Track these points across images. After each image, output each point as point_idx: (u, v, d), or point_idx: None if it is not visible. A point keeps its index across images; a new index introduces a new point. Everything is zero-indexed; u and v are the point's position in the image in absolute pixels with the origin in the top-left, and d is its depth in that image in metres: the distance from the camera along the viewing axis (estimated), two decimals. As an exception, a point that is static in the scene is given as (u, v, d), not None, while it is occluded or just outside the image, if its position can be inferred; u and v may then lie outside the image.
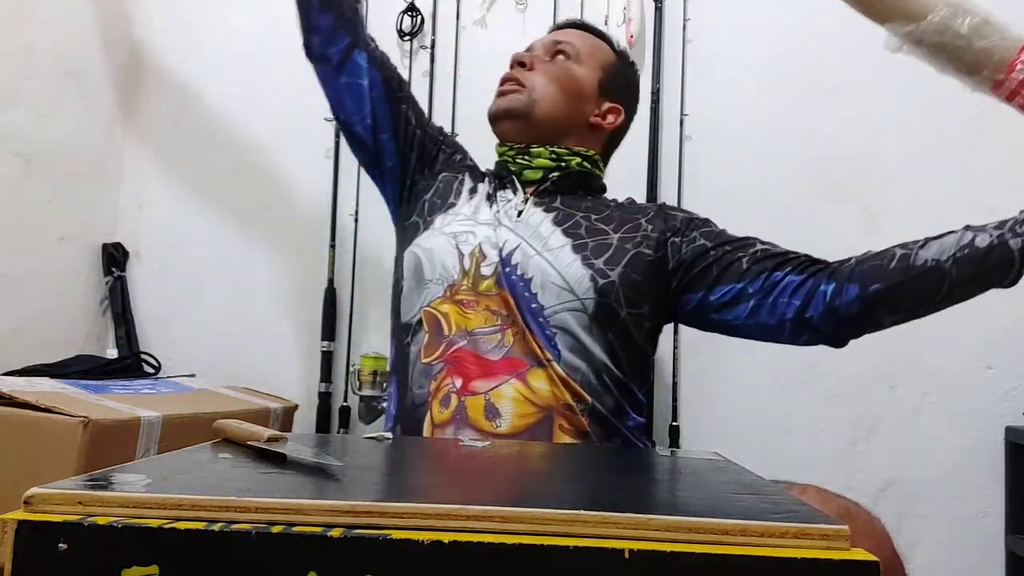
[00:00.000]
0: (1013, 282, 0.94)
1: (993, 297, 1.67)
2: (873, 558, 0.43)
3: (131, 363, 1.95)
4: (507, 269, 1.08)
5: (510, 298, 1.06)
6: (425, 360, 1.06)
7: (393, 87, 1.28)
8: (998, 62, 0.67)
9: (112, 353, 2.02)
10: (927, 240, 0.99)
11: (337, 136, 1.94)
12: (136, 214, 2.11)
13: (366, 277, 1.92)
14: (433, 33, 1.94)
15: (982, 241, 0.93)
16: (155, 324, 2.06)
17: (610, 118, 1.27)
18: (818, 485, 0.79)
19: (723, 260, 1.09)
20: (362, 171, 1.91)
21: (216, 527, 0.45)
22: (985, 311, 1.67)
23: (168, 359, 1.99)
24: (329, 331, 1.89)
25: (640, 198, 1.83)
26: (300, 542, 0.44)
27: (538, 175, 1.19)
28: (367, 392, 1.76)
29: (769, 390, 1.75)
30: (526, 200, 1.18)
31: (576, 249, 1.09)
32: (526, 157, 1.20)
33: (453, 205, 1.19)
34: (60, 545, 0.44)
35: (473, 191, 1.22)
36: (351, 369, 1.83)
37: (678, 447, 1.73)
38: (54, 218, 1.94)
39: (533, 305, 1.05)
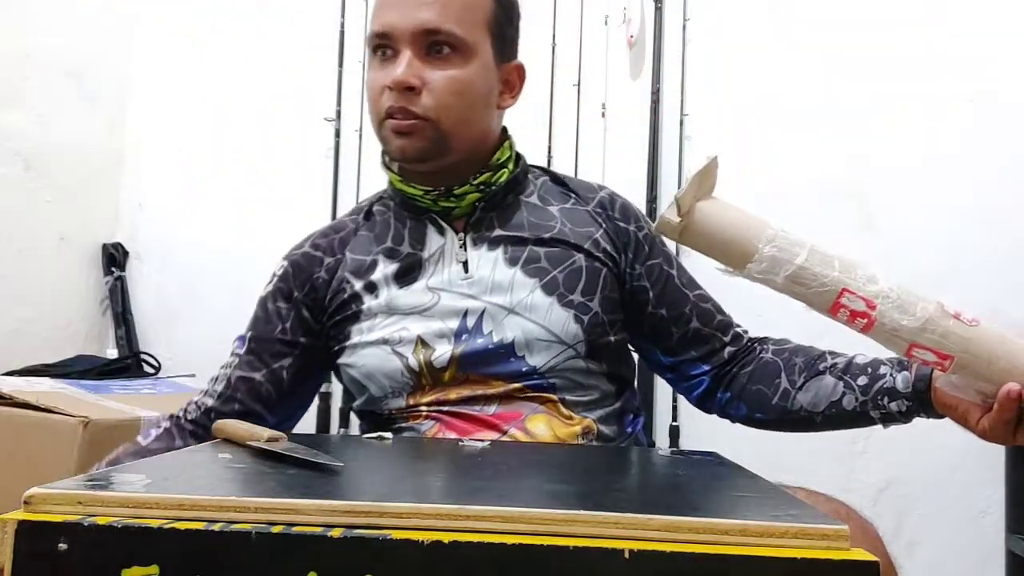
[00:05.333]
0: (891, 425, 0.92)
1: (993, 297, 1.68)
2: (873, 558, 0.43)
3: (131, 363, 1.95)
4: (480, 341, 0.94)
5: (489, 376, 0.94)
6: (411, 422, 0.96)
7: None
8: (820, 307, 0.69)
9: (112, 353, 2.02)
10: (809, 378, 0.94)
11: (337, 136, 1.95)
12: (136, 214, 2.11)
13: (366, 277, 1.92)
14: (433, 33, 1.94)
15: (848, 403, 0.91)
16: (155, 324, 2.07)
17: (513, 81, 1.03)
18: (808, 488, 0.79)
19: (658, 326, 1.02)
20: (362, 170, 1.91)
21: (216, 527, 0.45)
22: (985, 311, 1.67)
23: (168, 359, 1.99)
24: (329, 331, 1.89)
25: (640, 198, 1.84)
26: (300, 542, 0.44)
27: (468, 210, 1.00)
28: (367, 392, 1.76)
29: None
30: (463, 244, 0.99)
31: (547, 289, 0.96)
32: (452, 198, 0.99)
33: (360, 312, 0.99)
34: (60, 545, 0.44)
35: (372, 288, 0.99)
36: (351, 369, 1.83)
37: (678, 447, 1.73)
38: (54, 218, 1.94)
39: (524, 368, 0.94)
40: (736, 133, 1.83)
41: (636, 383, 1.10)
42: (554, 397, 0.95)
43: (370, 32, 0.97)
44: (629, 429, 1.02)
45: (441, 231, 1.00)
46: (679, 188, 0.70)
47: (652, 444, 1.19)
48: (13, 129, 1.81)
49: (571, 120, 1.90)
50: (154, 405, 1.50)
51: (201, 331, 2.01)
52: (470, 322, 0.95)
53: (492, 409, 0.94)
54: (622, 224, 1.04)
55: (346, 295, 1.00)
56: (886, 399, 0.88)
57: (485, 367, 0.95)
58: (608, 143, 1.90)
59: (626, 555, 0.43)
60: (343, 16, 1.98)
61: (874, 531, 0.78)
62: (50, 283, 1.94)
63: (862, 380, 0.91)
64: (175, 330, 2.04)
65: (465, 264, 0.98)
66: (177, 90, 2.12)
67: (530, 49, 1.92)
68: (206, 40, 2.11)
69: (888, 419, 0.89)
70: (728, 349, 1.02)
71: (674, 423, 1.75)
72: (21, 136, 1.82)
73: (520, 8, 1.04)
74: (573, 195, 1.06)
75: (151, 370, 1.98)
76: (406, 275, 0.99)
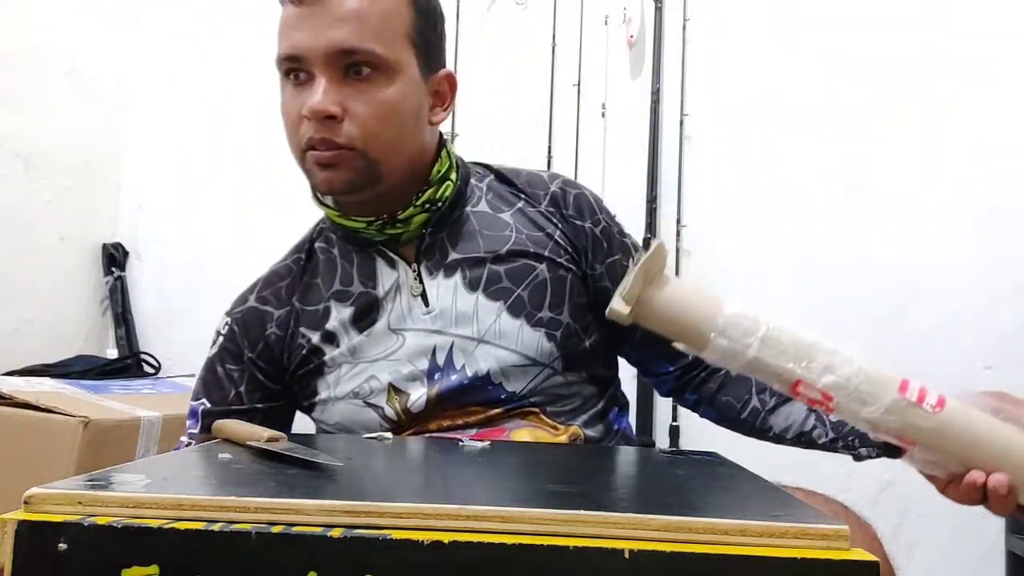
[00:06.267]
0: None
1: (992, 297, 1.67)
2: (873, 558, 0.43)
3: (131, 363, 1.95)
4: (454, 377, 0.90)
5: (468, 405, 0.91)
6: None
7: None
8: (780, 389, 0.68)
9: (112, 353, 2.02)
10: (780, 403, 0.93)
11: (337, 136, 1.95)
12: (136, 214, 2.11)
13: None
14: (433, 33, 1.94)
15: (819, 436, 0.90)
16: (155, 324, 2.07)
17: (443, 92, 0.95)
18: (806, 488, 0.79)
19: (619, 324, 1.01)
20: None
21: (216, 527, 0.45)
22: (985, 311, 1.67)
23: (168, 359, 1.99)
24: (329, 331, 1.89)
25: (640, 198, 1.84)
26: (300, 542, 0.44)
27: (417, 234, 0.93)
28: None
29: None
30: (418, 275, 0.92)
31: (514, 311, 0.91)
32: (397, 225, 0.91)
33: (323, 365, 0.94)
34: (60, 545, 0.44)
35: (330, 338, 0.93)
36: (351, 369, 1.83)
37: (678, 447, 1.73)
38: (54, 218, 1.94)
39: (502, 396, 0.90)
40: (736, 133, 1.83)
41: (631, 376, 1.07)
42: (536, 410, 0.93)
43: (278, 55, 0.86)
44: (615, 427, 1.01)
45: (392, 264, 0.93)
46: (624, 281, 0.68)
47: (652, 443, 1.19)
48: (13, 129, 1.80)
49: (571, 120, 1.90)
50: (154, 405, 1.50)
51: (201, 331, 1.99)
52: (440, 359, 0.90)
53: (473, 431, 0.91)
54: (578, 222, 0.97)
55: (304, 350, 0.94)
56: (856, 442, 0.87)
57: (462, 399, 0.91)
58: (608, 143, 1.90)
59: (626, 555, 0.43)
60: (343, 16, 1.98)
61: (872, 531, 0.78)
62: (50, 283, 1.94)
63: (834, 416, 0.90)
64: (175, 330, 2.04)
65: (424, 296, 0.92)
66: (177, 90, 2.12)
67: (530, 49, 1.94)
68: (206, 40, 2.11)
69: (858, 458, 0.89)
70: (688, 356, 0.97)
71: (674, 423, 1.75)
72: (21, 136, 1.82)
73: (442, 11, 0.95)
74: (522, 195, 0.98)
75: (151, 370, 1.98)
76: (364, 318, 0.92)
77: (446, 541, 0.44)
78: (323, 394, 0.94)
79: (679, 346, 0.70)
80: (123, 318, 2.05)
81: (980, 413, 0.68)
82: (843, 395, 0.66)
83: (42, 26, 1.88)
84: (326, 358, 0.93)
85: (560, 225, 0.97)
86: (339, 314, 0.93)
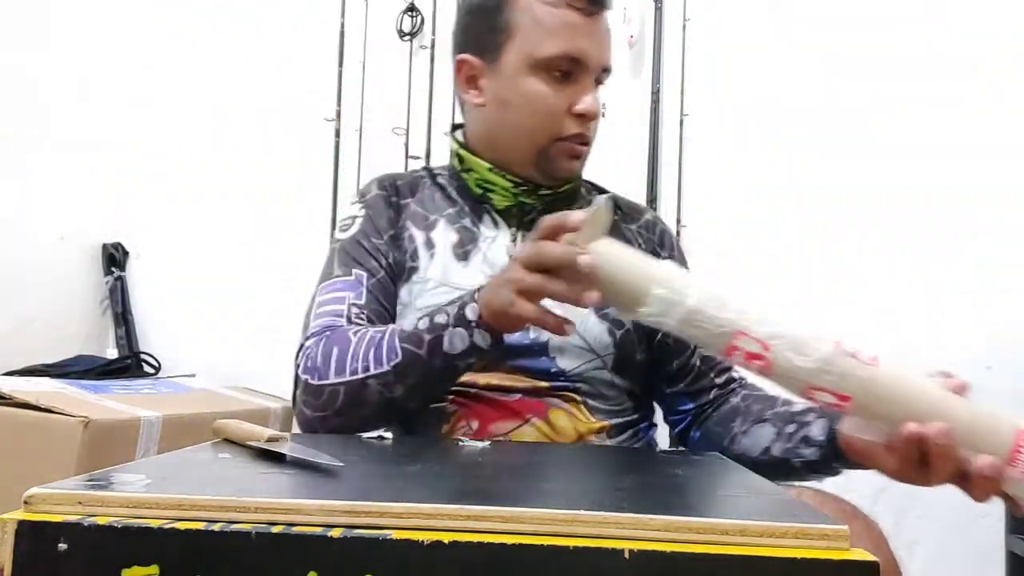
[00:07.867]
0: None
1: (992, 297, 1.68)
2: (873, 558, 0.43)
3: (131, 363, 1.95)
4: (518, 334, 0.93)
5: (518, 369, 0.96)
6: (434, 404, 0.96)
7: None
8: (716, 348, 0.67)
9: (112, 353, 2.02)
10: (753, 424, 0.96)
11: (337, 136, 1.95)
12: (136, 214, 2.11)
13: (366, 277, 1.92)
14: (433, 33, 1.95)
15: (777, 451, 0.91)
16: (155, 324, 2.07)
17: None
18: (814, 488, 0.79)
19: (662, 351, 1.04)
20: (361, 170, 1.92)
21: (216, 527, 0.45)
22: (984, 311, 1.67)
23: (168, 359, 1.99)
24: (329, 331, 1.89)
25: (640, 199, 1.84)
26: (300, 542, 0.44)
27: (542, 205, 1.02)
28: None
29: (768, 389, 1.75)
30: (515, 239, 1.02)
31: None
32: (547, 194, 1.03)
33: (415, 270, 1.01)
34: (60, 545, 0.44)
35: (431, 245, 1.02)
36: (351, 369, 1.82)
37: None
38: (54, 218, 1.94)
39: (553, 370, 0.97)
40: (736, 133, 1.83)
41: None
42: (578, 398, 0.97)
43: (556, 51, 0.95)
44: (643, 436, 1.04)
45: (495, 223, 1.03)
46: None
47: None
48: (14, 129, 1.81)
49: (571, 120, 1.89)
50: (154, 405, 1.50)
51: (201, 331, 2.01)
52: None
53: (518, 396, 0.95)
54: (658, 250, 1.08)
55: (405, 244, 1.02)
56: (803, 447, 0.87)
57: (517, 359, 0.96)
58: (608, 143, 1.90)
59: (626, 555, 0.43)
60: (343, 16, 1.98)
61: (879, 531, 0.78)
62: (50, 283, 1.94)
63: (791, 427, 0.90)
64: (175, 330, 2.04)
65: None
66: (177, 90, 2.12)
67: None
68: (206, 40, 2.11)
69: (810, 468, 0.88)
70: (714, 391, 1.04)
71: (674, 423, 1.75)
72: (21, 135, 1.82)
73: None
74: (619, 211, 1.09)
75: (151, 370, 1.98)
76: (462, 248, 1.01)
77: (446, 541, 0.44)
78: (403, 298, 1.00)
79: (613, 311, 0.72)
80: (123, 318, 2.05)
81: (915, 372, 0.67)
82: (781, 344, 0.65)
83: (42, 26, 1.88)
84: (419, 264, 1.01)
85: (644, 246, 1.06)
86: (445, 232, 1.02)
